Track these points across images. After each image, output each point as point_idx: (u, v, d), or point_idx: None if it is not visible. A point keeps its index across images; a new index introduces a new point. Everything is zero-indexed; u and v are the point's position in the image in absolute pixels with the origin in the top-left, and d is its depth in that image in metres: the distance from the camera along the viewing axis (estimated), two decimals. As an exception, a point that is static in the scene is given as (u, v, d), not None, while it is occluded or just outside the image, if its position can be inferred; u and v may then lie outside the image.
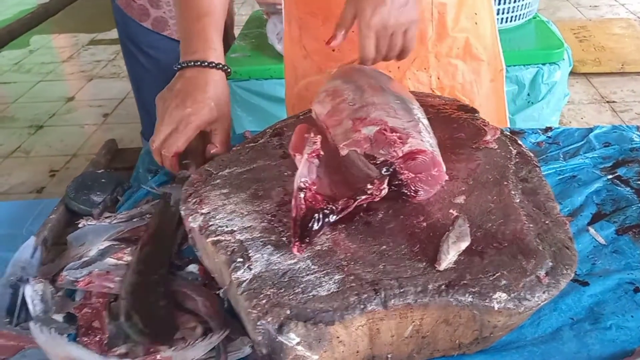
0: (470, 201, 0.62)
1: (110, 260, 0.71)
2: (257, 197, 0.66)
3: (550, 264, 0.53)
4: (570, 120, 2.83)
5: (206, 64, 0.81)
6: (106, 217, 0.78)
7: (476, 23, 1.04)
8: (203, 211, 0.65)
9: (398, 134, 0.60)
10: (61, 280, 0.68)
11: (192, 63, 0.81)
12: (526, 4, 1.83)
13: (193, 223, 0.64)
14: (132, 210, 0.79)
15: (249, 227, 0.62)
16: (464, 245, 0.55)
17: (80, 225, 0.75)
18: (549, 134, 0.93)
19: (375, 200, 0.59)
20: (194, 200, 0.67)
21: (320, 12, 1.01)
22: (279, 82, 1.78)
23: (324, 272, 0.54)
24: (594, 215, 0.74)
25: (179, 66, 0.82)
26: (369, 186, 0.59)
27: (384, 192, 0.59)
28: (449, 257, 0.54)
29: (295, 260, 0.56)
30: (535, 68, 1.71)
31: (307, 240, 0.56)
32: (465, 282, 0.52)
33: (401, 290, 0.52)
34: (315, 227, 0.56)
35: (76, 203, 0.81)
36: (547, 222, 0.58)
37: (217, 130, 0.82)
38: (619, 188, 0.78)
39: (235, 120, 1.86)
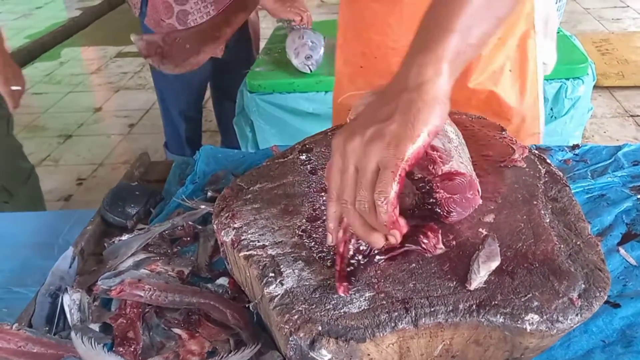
0: (500, 220, 0.62)
1: (143, 271, 0.72)
2: (288, 213, 0.67)
3: (583, 286, 0.52)
4: (593, 134, 2.79)
5: None
6: (139, 229, 0.80)
7: (507, 79, 0.98)
8: (235, 225, 0.66)
9: (439, 153, 0.60)
10: (96, 290, 0.69)
11: None
12: (550, 19, 1.82)
13: (225, 237, 0.65)
14: (164, 222, 0.81)
15: (280, 242, 0.62)
16: (494, 264, 0.55)
17: (114, 241, 0.77)
18: (576, 151, 0.92)
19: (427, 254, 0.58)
20: (227, 215, 0.68)
21: (356, 30, 1.03)
22: (302, 96, 1.80)
23: (355, 289, 0.55)
24: (624, 235, 0.73)
25: None
26: (423, 240, 0.58)
27: (439, 250, 0.58)
28: (480, 276, 0.54)
29: (326, 277, 0.57)
30: (558, 83, 1.70)
31: (353, 280, 0.55)
32: (496, 302, 0.52)
33: (432, 309, 0.52)
34: (361, 268, 0.56)
35: (111, 215, 0.83)
36: (578, 242, 0.58)
37: None
38: (647, 207, 0.77)
39: (259, 133, 1.88)
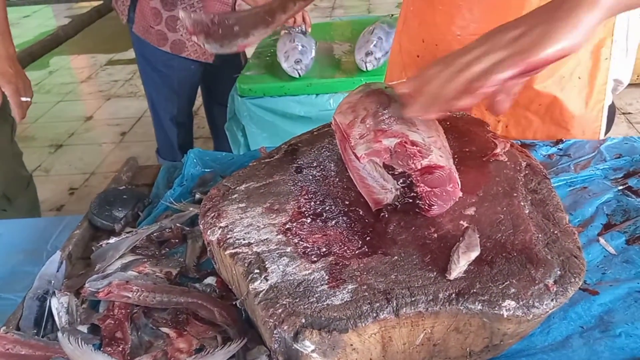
0: (481, 212, 0.64)
1: (131, 272, 0.74)
2: (273, 211, 0.68)
3: (559, 272, 0.54)
4: (586, 131, 2.82)
5: None
6: (127, 232, 0.82)
7: (574, 86, 0.96)
8: (221, 225, 0.67)
9: (418, 148, 0.62)
10: (84, 293, 0.71)
11: None
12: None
13: (212, 236, 0.67)
14: (152, 225, 0.82)
15: (265, 239, 0.64)
16: (474, 255, 0.57)
17: (102, 244, 0.78)
18: (560, 146, 0.95)
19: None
20: (213, 215, 0.69)
21: (419, 14, 1.01)
22: (292, 99, 1.82)
23: (338, 282, 0.57)
24: (605, 226, 0.76)
25: None
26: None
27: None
28: (459, 266, 0.55)
29: (310, 271, 0.58)
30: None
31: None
32: (475, 290, 0.53)
33: (412, 299, 0.54)
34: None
35: (99, 218, 0.85)
36: (555, 232, 0.60)
37: None
38: (630, 199, 0.80)
39: (251, 138, 1.90)
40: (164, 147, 2.13)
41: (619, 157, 0.90)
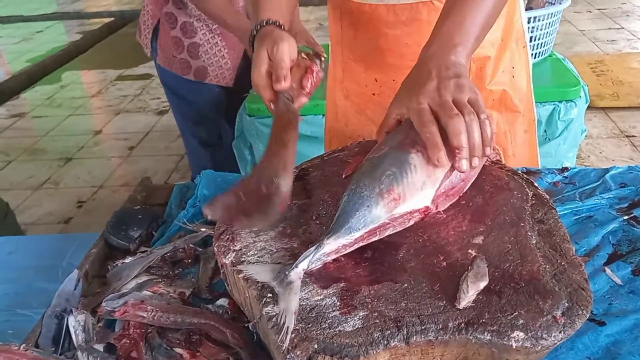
0: (488, 242, 0.65)
1: (146, 292, 0.75)
2: (285, 235, 0.70)
3: (566, 304, 0.55)
4: (589, 154, 2.84)
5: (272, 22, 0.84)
6: (142, 252, 0.83)
7: (513, 77, 1.08)
8: (235, 248, 0.69)
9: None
10: (101, 312, 0.72)
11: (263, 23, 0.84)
12: (542, 43, 1.87)
13: (225, 259, 0.68)
14: (165, 245, 0.84)
15: (279, 264, 0.65)
16: (482, 284, 0.58)
17: (117, 263, 0.80)
18: (565, 174, 0.96)
19: None
20: (227, 237, 0.71)
21: (363, 60, 1.07)
22: (300, 119, 1.84)
23: (349, 308, 0.58)
24: (610, 256, 0.76)
25: (255, 30, 0.84)
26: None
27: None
28: (469, 296, 0.57)
29: (322, 297, 0.60)
30: (551, 105, 1.74)
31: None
32: (483, 320, 0.54)
33: (422, 328, 0.55)
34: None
35: (115, 238, 0.86)
36: (563, 263, 0.61)
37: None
38: (635, 229, 0.81)
39: (258, 156, 1.92)
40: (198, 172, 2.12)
41: (623, 187, 0.91)
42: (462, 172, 0.66)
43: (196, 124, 1.97)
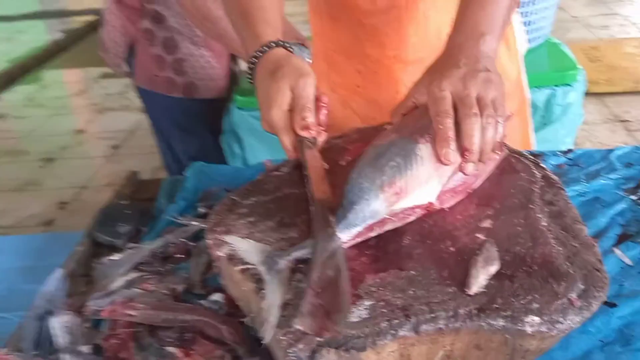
0: (497, 225, 0.63)
1: (135, 290, 0.72)
2: (284, 225, 0.67)
3: (582, 286, 0.54)
4: (584, 140, 2.84)
5: (281, 43, 0.74)
6: (130, 248, 0.80)
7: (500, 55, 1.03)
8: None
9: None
10: (87, 311, 0.69)
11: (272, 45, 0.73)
12: (539, 27, 1.86)
13: (220, 252, 0.65)
14: (155, 240, 0.81)
15: (271, 245, 0.63)
16: (493, 269, 0.56)
17: (104, 261, 0.77)
18: (570, 155, 0.94)
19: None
20: (221, 229, 0.68)
21: (344, 52, 1.04)
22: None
23: (354, 298, 0.55)
24: (620, 237, 0.75)
25: (258, 54, 0.73)
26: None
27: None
28: (479, 281, 0.55)
29: (323, 287, 0.57)
30: (549, 90, 1.73)
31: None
32: (496, 306, 0.52)
33: (432, 315, 0.52)
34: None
35: (101, 234, 0.83)
36: (575, 244, 0.59)
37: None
38: (645, 209, 0.79)
39: (249, 151, 1.89)
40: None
41: (629, 166, 0.89)
42: (466, 175, 0.63)
43: (183, 142, 1.90)
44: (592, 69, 3.34)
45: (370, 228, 0.60)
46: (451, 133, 0.60)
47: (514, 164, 0.73)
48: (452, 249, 0.61)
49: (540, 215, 0.64)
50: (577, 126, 1.87)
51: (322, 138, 0.71)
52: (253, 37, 0.74)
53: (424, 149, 0.62)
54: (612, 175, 0.87)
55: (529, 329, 0.50)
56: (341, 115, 1.07)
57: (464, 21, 0.71)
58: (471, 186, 0.67)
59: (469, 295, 0.54)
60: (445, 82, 0.63)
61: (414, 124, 0.66)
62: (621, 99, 3.19)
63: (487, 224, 0.64)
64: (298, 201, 0.72)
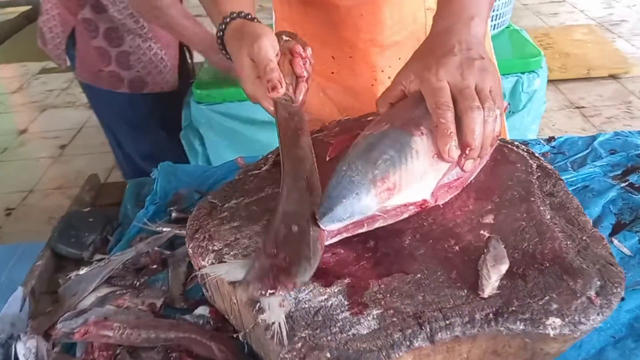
0: (500, 220, 0.61)
1: (109, 307, 0.66)
2: (272, 229, 0.63)
3: (598, 282, 0.52)
4: (543, 127, 2.89)
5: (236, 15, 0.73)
6: (98, 261, 0.74)
7: None
8: (215, 248, 0.61)
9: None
10: (56, 335, 0.63)
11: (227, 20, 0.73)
12: (500, 14, 1.86)
13: (204, 261, 0.60)
14: (126, 250, 0.75)
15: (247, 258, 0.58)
16: (504, 268, 0.53)
17: (70, 276, 0.70)
18: (553, 143, 0.94)
19: None
20: (203, 237, 0.63)
21: (317, 38, 1.00)
22: (255, 104, 1.75)
23: (360, 307, 0.52)
24: (615, 226, 0.74)
25: (223, 25, 0.73)
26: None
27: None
28: (491, 282, 0.52)
29: (326, 296, 0.53)
30: (514, 77, 1.73)
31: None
32: (513, 308, 0.50)
33: (447, 322, 0.49)
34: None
35: (64, 246, 0.76)
36: (584, 238, 0.57)
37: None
38: (634, 196, 0.79)
39: (211, 147, 1.82)
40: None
41: (614, 153, 0.89)
42: (465, 172, 0.61)
43: (133, 140, 1.81)
44: (545, 57, 3.41)
45: (360, 224, 0.57)
46: (453, 127, 0.57)
47: (507, 155, 0.71)
48: (456, 247, 0.58)
49: (542, 208, 0.62)
50: (541, 113, 1.89)
51: (301, 88, 0.72)
52: (218, 16, 0.74)
53: (419, 142, 0.58)
54: (598, 163, 0.87)
55: (551, 332, 0.48)
56: (317, 102, 1.04)
57: (452, 3, 0.68)
58: (467, 180, 0.64)
59: (483, 298, 0.51)
60: (441, 70, 0.60)
61: (406, 114, 0.62)
62: (575, 85, 3.28)
63: (489, 219, 0.61)
64: (285, 202, 0.67)
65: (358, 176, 0.56)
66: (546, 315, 0.49)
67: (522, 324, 0.49)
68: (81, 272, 0.71)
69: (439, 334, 0.49)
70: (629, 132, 0.95)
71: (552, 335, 0.48)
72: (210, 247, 0.61)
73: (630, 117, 3.13)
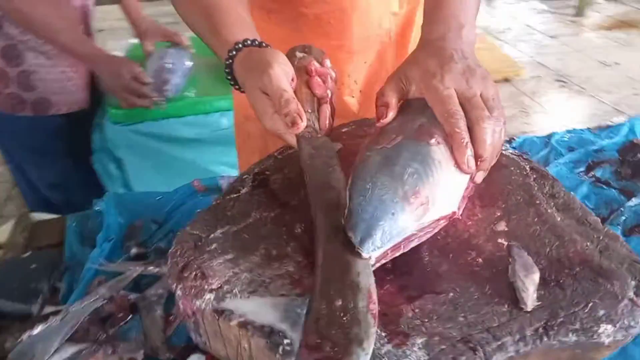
0: (512, 227, 0.59)
1: (80, 371, 0.56)
2: (272, 259, 0.56)
3: (633, 282, 0.51)
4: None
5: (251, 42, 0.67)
6: (53, 314, 0.63)
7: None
8: (212, 287, 0.54)
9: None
10: (18, 413, 0.52)
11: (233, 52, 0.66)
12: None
13: (203, 304, 0.52)
14: (85, 298, 0.65)
15: (281, 296, 0.52)
16: (536, 276, 0.51)
17: (22, 338, 0.59)
18: (514, 144, 0.95)
19: None
20: (194, 274, 0.55)
21: (285, 44, 0.95)
22: (179, 122, 1.64)
23: (401, 337, 0.47)
24: (596, 222, 0.75)
25: (230, 60, 0.66)
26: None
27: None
28: (530, 293, 0.49)
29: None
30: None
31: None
32: (561, 319, 0.48)
33: (499, 343, 0.46)
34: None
35: (6, 302, 0.64)
36: (601, 237, 0.57)
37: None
38: (604, 189, 0.81)
39: (131, 171, 1.68)
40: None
41: (572, 150, 0.92)
42: (476, 183, 0.59)
43: (38, 167, 1.64)
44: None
45: (397, 247, 0.52)
46: (467, 136, 0.56)
47: (499, 158, 0.70)
48: (479, 259, 0.55)
49: (550, 211, 0.61)
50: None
51: (325, 112, 0.64)
52: (220, 47, 0.67)
53: (438, 152, 0.55)
54: (562, 160, 0.89)
55: (605, 340, 0.46)
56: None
57: (441, 9, 0.66)
58: (473, 189, 0.62)
59: (527, 312, 0.48)
60: (447, 77, 0.58)
61: (413, 123, 0.59)
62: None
63: (502, 226, 0.59)
64: (277, 225, 0.61)
65: (388, 194, 0.51)
66: (596, 322, 0.47)
67: (574, 334, 0.47)
68: (35, 331, 0.60)
69: (495, 356, 0.45)
70: (580, 129, 0.99)
71: (606, 344, 0.46)
72: (206, 286, 0.54)
73: (525, 115, 3.38)
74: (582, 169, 0.87)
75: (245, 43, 0.65)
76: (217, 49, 0.67)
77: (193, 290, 0.54)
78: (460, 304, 0.50)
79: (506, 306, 0.49)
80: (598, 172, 0.85)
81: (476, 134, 0.56)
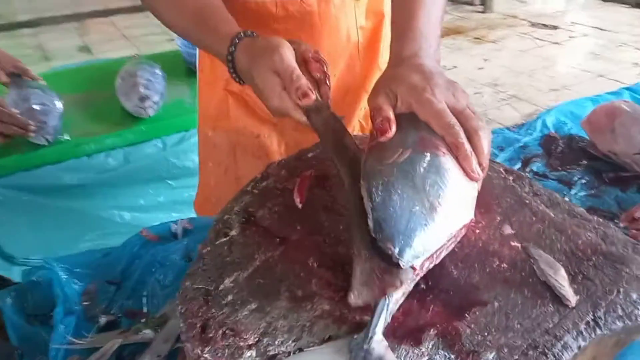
0: (517, 228, 0.62)
1: None
2: (302, 299, 0.53)
3: (643, 263, 0.56)
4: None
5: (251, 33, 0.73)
6: (31, 415, 0.53)
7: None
8: (248, 342, 0.49)
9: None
10: None
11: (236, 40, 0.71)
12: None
13: (245, 363, 0.48)
14: (65, 387, 0.55)
15: (328, 338, 0.49)
16: (562, 271, 0.54)
17: None
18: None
19: None
20: (221, 333, 0.50)
21: None
22: (58, 168, 1.48)
23: (471, 355, 0.47)
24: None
25: (232, 47, 0.71)
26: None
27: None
28: (567, 289, 0.52)
29: (427, 358, 0.47)
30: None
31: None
32: (604, 310, 0.51)
33: (562, 343, 0.48)
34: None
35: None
36: (596, 226, 0.62)
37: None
38: (546, 181, 0.89)
39: (3, 230, 1.48)
40: None
41: (503, 150, 1.00)
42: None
43: None
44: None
45: (430, 258, 0.52)
46: (469, 146, 0.58)
47: (471, 165, 0.73)
48: (504, 265, 0.57)
49: (541, 208, 0.65)
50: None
51: (325, 92, 0.70)
52: (218, 42, 0.72)
53: (448, 162, 0.57)
54: (498, 160, 0.95)
55: (648, 321, 0.50)
56: (258, 124, 1.01)
57: (411, 30, 0.69)
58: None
59: (573, 308, 0.51)
60: (437, 91, 0.61)
61: (412, 137, 0.60)
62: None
63: (508, 230, 0.62)
64: (288, 263, 0.58)
65: (416, 206, 0.52)
66: (635, 305, 0.51)
67: (620, 321, 0.50)
68: None
69: (564, 356, 0.47)
70: (499, 129, 1.07)
71: (649, 324, 0.51)
72: (242, 343, 0.49)
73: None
74: (518, 165, 0.95)
75: (247, 34, 0.71)
76: (216, 45, 0.73)
77: (227, 350, 0.49)
78: (509, 312, 0.51)
79: (551, 305, 0.52)
80: (534, 167, 0.93)
81: (475, 143, 0.58)
